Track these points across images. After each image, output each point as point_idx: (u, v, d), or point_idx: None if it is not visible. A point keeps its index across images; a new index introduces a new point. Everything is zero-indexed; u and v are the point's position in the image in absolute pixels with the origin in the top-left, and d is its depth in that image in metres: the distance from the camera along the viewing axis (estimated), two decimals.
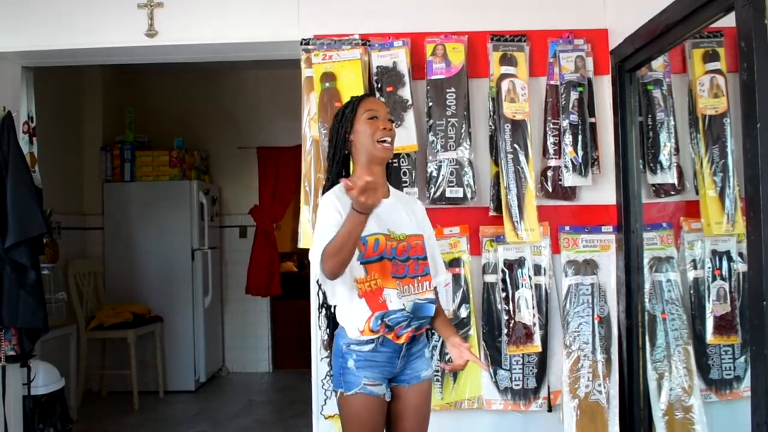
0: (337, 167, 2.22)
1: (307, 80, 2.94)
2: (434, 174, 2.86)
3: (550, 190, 2.93)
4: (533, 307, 2.83)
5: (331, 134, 2.26)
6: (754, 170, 1.66)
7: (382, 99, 2.75)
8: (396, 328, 2.06)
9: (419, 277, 2.11)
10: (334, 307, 2.20)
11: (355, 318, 2.08)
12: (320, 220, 2.08)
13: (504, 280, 2.86)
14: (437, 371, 2.84)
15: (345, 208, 1.99)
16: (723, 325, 2.84)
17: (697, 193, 2.89)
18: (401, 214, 2.19)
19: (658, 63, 2.88)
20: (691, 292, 2.91)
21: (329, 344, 2.33)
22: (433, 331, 2.35)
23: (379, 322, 2.05)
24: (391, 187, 2.28)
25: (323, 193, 2.20)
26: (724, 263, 2.87)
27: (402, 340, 2.08)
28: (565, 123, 2.86)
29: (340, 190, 2.06)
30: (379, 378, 2.10)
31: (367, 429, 2.10)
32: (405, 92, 2.87)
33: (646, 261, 2.86)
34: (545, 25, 2.97)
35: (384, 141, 2.14)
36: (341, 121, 2.20)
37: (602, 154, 2.92)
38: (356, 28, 2.97)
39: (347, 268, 2.00)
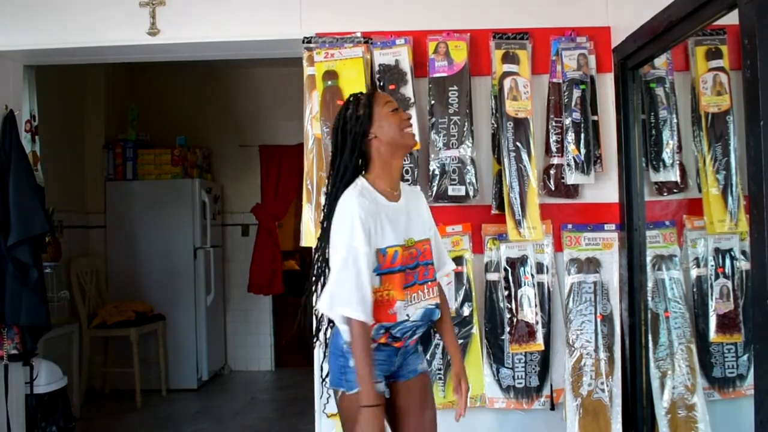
0: (351, 167, 2.07)
1: (309, 78, 2.94)
2: (437, 172, 2.86)
3: (553, 188, 2.93)
4: (536, 306, 2.83)
5: (339, 137, 2.08)
6: (758, 168, 1.66)
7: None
8: (403, 338, 2.06)
9: (428, 282, 2.09)
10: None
11: None
12: (343, 242, 1.95)
13: (506, 279, 2.86)
14: (439, 370, 2.84)
15: (371, 215, 1.95)
16: (726, 323, 2.83)
17: (699, 190, 2.88)
18: (411, 217, 2.11)
19: (660, 60, 2.87)
20: (694, 290, 2.91)
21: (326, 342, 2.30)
22: (434, 330, 2.33)
23: (382, 332, 2.02)
24: (401, 185, 2.19)
25: (329, 196, 2.09)
26: (727, 261, 2.86)
27: (402, 344, 2.08)
28: (567, 121, 2.86)
29: (360, 193, 1.99)
30: (378, 376, 2.08)
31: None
32: (407, 90, 2.87)
33: (648, 259, 2.85)
34: (548, 23, 2.97)
35: (409, 127, 2.08)
36: (357, 122, 2.04)
37: (605, 151, 2.92)
38: (358, 26, 2.97)
39: None
